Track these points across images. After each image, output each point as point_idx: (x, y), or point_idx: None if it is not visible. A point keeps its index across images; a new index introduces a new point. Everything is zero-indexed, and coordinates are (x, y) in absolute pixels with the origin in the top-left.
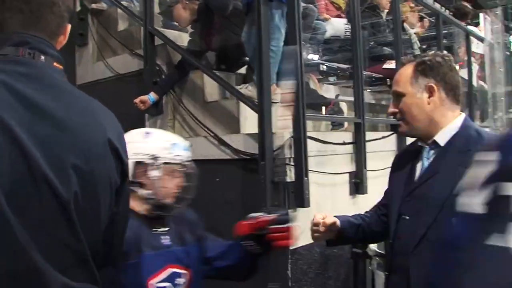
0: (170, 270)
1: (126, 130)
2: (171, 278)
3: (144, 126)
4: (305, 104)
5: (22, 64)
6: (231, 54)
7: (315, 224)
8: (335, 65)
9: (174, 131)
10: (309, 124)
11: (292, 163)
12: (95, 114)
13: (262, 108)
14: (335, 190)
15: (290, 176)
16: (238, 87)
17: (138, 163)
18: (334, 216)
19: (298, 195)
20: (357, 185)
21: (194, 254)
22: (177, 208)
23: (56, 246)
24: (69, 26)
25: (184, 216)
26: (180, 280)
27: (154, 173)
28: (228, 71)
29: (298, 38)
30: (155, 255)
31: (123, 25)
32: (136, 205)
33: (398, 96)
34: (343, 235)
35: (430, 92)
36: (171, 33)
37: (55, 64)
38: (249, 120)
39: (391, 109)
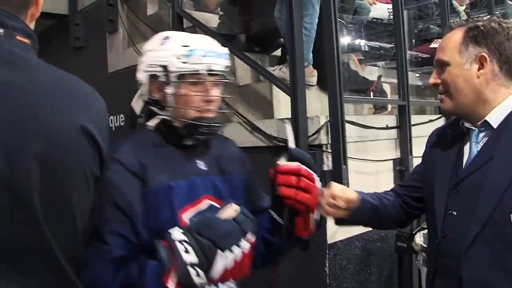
0: (207, 203)
1: None
2: (209, 213)
3: None
4: (342, 86)
5: None
6: (265, 35)
7: (333, 197)
8: (377, 44)
9: None
10: (349, 107)
11: (329, 150)
12: (66, 95)
13: (295, 90)
14: (378, 178)
15: (328, 164)
16: (271, 69)
17: (152, 77)
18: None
19: None
20: (402, 173)
21: (239, 186)
22: (210, 130)
23: (14, 249)
24: None
25: (229, 149)
26: None
27: (167, 88)
28: (262, 53)
29: (333, 15)
30: (188, 182)
31: (152, 9)
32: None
33: (442, 65)
34: (358, 214)
35: (481, 63)
36: (201, 15)
37: (18, 37)
38: (283, 104)
39: (433, 80)
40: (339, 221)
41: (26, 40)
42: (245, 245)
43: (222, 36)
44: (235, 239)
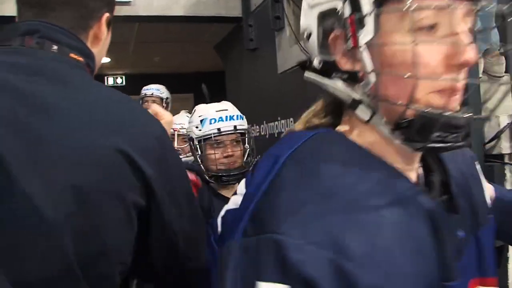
0: None
1: None
2: None
3: None
4: None
5: (23, 54)
6: None
7: None
8: None
9: None
10: None
11: None
12: (109, 116)
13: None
14: None
15: (511, 181)
16: None
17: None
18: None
19: None
20: None
21: None
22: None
23: (42, 282)
24: (104, 17)
25: None
26: None
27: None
28: None
29: None
30: None
31: None
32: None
33: None
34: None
35: None
36: None
37: (71, 55)
38: None
39: None
40: None
41: (80, 58)
42: None
43: None
44: None
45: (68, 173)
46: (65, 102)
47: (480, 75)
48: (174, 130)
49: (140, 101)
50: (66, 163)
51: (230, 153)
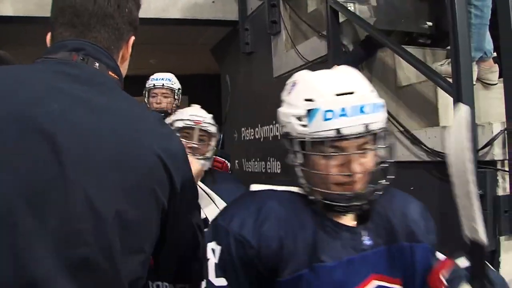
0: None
1: None
2: None
3: None
4: None
5: (73, 66)
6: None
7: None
8: None
9: None
10: None
11: (505, 168)
12: (148, 126)
13: (458, 88)
14: None
15: (504, 187)
16: (438, 64)
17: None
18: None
19: None
20: None
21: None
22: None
23: (82, 269)
24: (131, 40)
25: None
26: None
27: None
28: (435, 46)
29: None
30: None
31: (313, 5)
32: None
33: None
34: None
35: None
36: (360, 8)
37: (110, 73)
38: (451, 109)
39: None
40: None
41: (115, 76)
42: None
43: (380, 29)
44: None
45: (117, 171)
46: (112, 109)
47: (474, 83)
48: (196, 123)
49: (146, 94)
50: (116, 161)
51: (354, 170)
